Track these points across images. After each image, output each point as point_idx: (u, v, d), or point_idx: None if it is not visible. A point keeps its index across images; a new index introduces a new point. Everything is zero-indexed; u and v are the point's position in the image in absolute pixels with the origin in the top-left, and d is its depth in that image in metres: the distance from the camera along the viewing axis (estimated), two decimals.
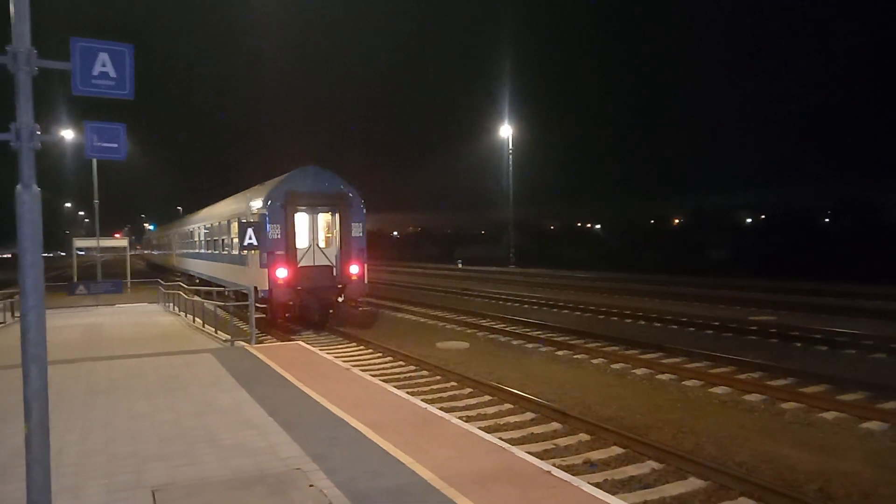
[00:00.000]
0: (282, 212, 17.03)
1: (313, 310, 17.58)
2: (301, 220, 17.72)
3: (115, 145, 3.90)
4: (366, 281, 18.58)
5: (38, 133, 3.67)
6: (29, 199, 3.66)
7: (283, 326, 17.85)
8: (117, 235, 51.99)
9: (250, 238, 12.70)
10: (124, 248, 35.06)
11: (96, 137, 3.87)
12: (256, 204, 18.22)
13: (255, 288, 16.51)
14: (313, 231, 17.96)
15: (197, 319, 17.12)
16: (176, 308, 20.61)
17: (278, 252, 16.51)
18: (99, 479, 5.39)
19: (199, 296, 18.83)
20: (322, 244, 18.22)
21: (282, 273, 16.66)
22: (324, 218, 18.42)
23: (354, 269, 17.99)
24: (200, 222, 28.59)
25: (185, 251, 33.74)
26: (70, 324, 17.57)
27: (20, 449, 3.72)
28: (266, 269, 16.62)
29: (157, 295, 24.30)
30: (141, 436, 6.65)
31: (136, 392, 8.77)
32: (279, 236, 16.84)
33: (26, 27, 3.63)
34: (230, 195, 24.28)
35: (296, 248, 17.29)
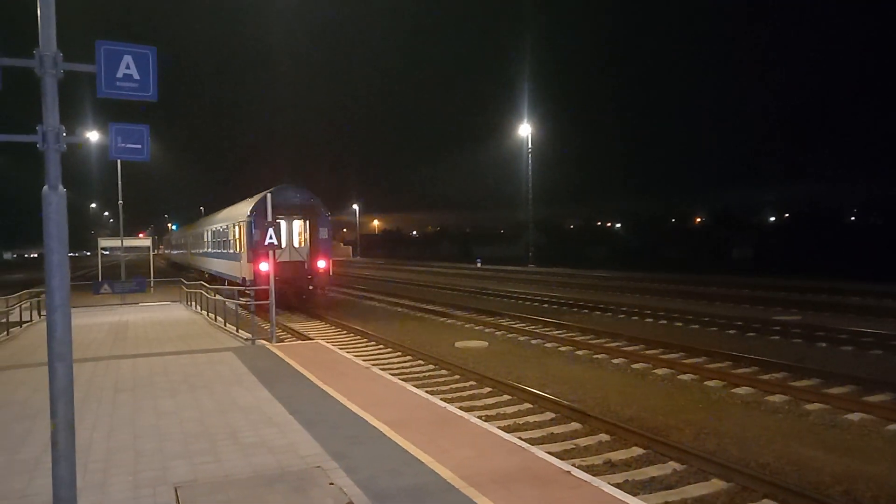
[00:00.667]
0: (263, 220, 19.82)
1: (289, 296, 21.60)
2: (285, 226, 22.07)
3: (140, 146, 3.95)
4: (331, 273, 23.24)
5: (64, 135, 3.73)
6: (55, 200, 3.72)
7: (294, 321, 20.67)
8: (141, 235, 53.58)
9: (270, 237, 12.85)
10: (148, 247, 35.65)
11: (121, 139, 3.92)
12: (244, 213, 22.84)
13: (244, 278, 22.20)
14: (289, 234, 22.40)
15: (218, 318, 17.32)
16: (198, 307, 20.86)
17: (261, 250, 19.02)
18: (125, 476, 5.48)
19: (221, 295, 19.06)
20: (296, 244, 22.93)
21: (264, 266, 19.66)
22: (297, 224, 23.10)
23: (321, 264, 22.55)
24: (206, 227, 34.15)
25: (196, 251, 39.36)
26: (96, 322, 17.87)
27: (49, 446, 3.79)
28: (251, 264, 21.04)
29: (180, 294, 24.61)
30: (166, 433, 6.74)
31: (162, 390, 8.89)
32: (261, 238, 19.34)
33: (52, 31, 3.68)
34: (239, 200, 28.02)
35: (271, 244, 19.86)
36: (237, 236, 24.18)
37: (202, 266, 35.64)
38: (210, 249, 32.28)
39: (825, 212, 63.94)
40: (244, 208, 23.57)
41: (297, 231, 23.09)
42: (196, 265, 38.83)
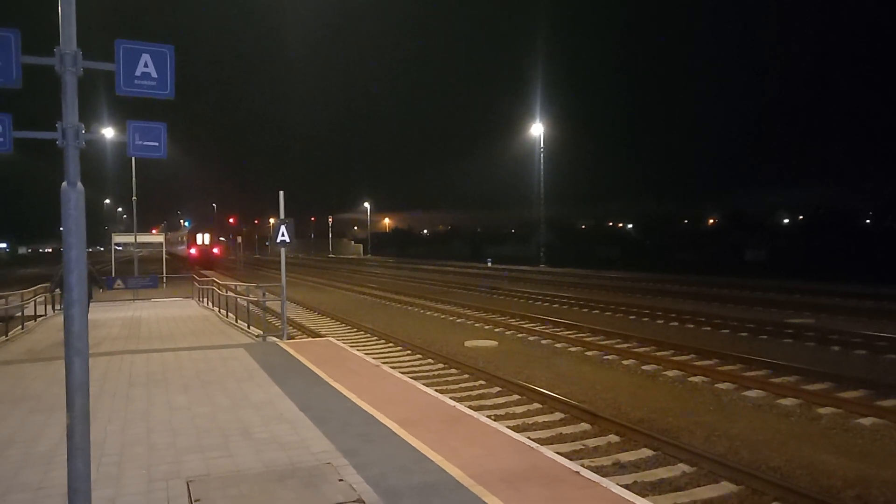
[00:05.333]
0: (194, 233, 70.38)
1: (202, 262, 59.40)
2: (200, 236, 68.14)
3: (157, 144, 3.99)
4: (219, 254, 69.76)
5: (83, 132, 3.77)
6: (74, 196, 3.76)
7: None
8: (154, 231, 61.13)
9: (282, 235, 12.94)
10: (160, 243, 36.06)
11: (138, 136, 3.95)
12: (186, 231, 77.83)
13: (188, 254, 69.62)
14: (203, 238, 67.50)
15: (230, 315, 17.44)
16: (209, 303, 21.02)
17: (192, 244, 67.63)
18: (138, 469, 5.54)
19: (232, 291, 19.20)
20: (207, 242, 67.11)
21: (193, 251, 66.75)
22: (207, 235, 68.22)
23: (215, 250, 67.61)
24: (177, 234, 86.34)
25: (175, 245, 79.17)
26: (109, 317, 18.05)
27: (64, 438, 3.85)
28: (189, 248, 68.67)
29: (192, 290, 24.81)
30: (179, 427, 6.82)
31: (175, 385, 8.98)
32: (193, 240, 68.08)
33: (73, 30, 3.72)
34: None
35: (196, 242, 67.65)
36: (185, 239, 71.31)
37: (176, 251, 77.22)
38: (179, 246, 76.09)
39: (840, 214, 63.09)
40: (185, 229, 78.62)
41: (207, 236, 65.82)
42: (174, 252, 76.32)
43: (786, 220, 76.76)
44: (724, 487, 6.30)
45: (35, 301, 18.45)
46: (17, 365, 10.85)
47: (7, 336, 14.36)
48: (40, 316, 18.06)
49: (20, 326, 15.93)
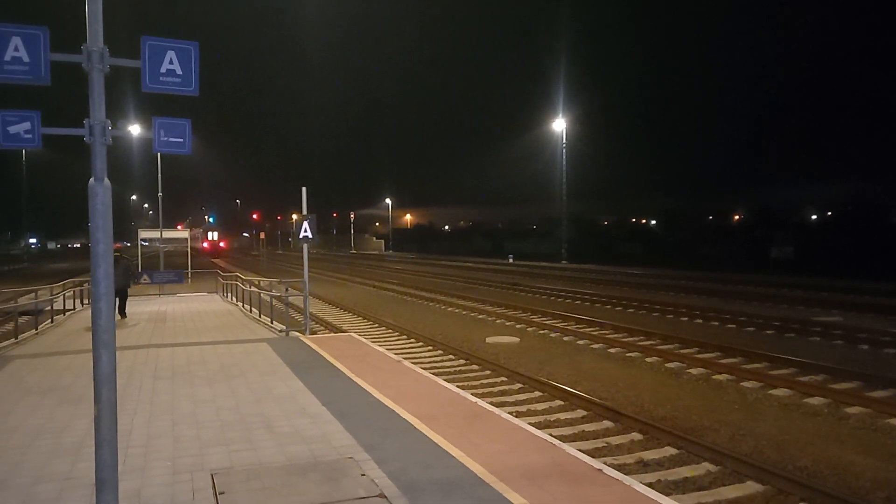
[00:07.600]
0: (206, 232, 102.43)
1: (212, 254, 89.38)
2: (210, 233, 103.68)
3: (182, 140, 4.02)
4: (225, 248, 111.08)
5: (110, 129, 3.82)
6: (101, 191, 3.81)
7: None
8: (179, 227, 57.11)
9: (305, 231, 13.03)
10: (185, 239, 36.57)
11: (164, 132, 3.99)
12: (199, 231, 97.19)
13: (201, 247, 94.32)
14: (212, 235, 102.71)
15: (254, 310, 17.61)
16: (234, 298, 21.25)
17: (204, 239, 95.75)
18: (164, 461, 5.63)
19: (255, 287, 19.39)
20: (215, 238, 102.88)
21: (205, 244, 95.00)
22: (215, 233, 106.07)
23: (221, 244, 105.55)
24: (196, 229, 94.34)
25: (195, 241, 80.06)
26: (135, 311, 18.33)
27: (92, 430, 3.91)
28: (202, 242, 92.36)
29: (216, 285, 25.11)
30: (203, 420, 6.90)
31: (199, 378, 9.09)
32: (206, 236, 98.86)
33: (100, 27, 3.77)
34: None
35: (208, 238, 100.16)
36: (201, 236, 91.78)
37: (195, 246, 75.35)
38: (196, 241, 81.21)
39: (869, 210, 61.68)
40: (207, 224, 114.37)
41: (215, 234, 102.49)
42: (194, 246, 77.44)
43: (813, 217, 75.37)
44: (750, 487, 6.21)
45: (64, 295, 18.82)
46: (45, 357, 11.08)
47: (37, 329, 14.67)
48: (69, 310, 18.41)
49: (49, 320, 16.26)
